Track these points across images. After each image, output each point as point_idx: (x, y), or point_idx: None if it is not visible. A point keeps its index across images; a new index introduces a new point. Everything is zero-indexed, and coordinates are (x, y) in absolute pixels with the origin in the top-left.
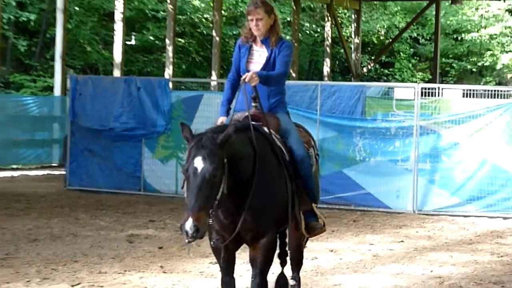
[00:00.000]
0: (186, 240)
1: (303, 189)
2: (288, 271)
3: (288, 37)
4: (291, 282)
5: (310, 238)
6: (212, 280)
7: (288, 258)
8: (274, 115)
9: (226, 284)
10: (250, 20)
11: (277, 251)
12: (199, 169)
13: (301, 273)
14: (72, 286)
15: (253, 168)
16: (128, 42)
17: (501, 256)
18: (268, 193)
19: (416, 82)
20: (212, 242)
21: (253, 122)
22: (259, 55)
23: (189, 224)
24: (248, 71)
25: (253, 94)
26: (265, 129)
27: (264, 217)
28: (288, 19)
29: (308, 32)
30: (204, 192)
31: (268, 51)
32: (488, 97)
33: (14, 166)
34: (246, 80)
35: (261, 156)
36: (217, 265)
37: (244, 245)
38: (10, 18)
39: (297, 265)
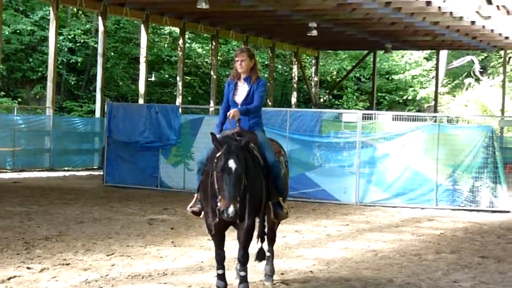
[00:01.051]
0: (224, 217)
1: (273, 186)
2: (265, 246)
3: (266, 76)
4: (267, 253)
5: (280, 222)
6: (210, 252)
7: (265, 237)
8: (252, 132)
9: (218, 255)
10: (236, 61)
11: (256, 231)
12: (233, 168)
13: (274, 247)
14: (108, 255)
15: (245, 171)
16: (149, 79)
17: (419, 236)
18: (251, 188)
19: (359, 109)
20: (208, 224)
21: (237, 137)
22: (242, 89)
23: (231, 209)
24: (234, 101)
25: (237, 120)
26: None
27: (247, 206)
28: (266, 62)
29: (280, 72)
30: (237, 185)
31: (249, 87)
32: (410, 121)
33: (66, 168)
34: (230, 117)
35: (248, 161)
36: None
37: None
38: (63, 60)
39: (271, 241)
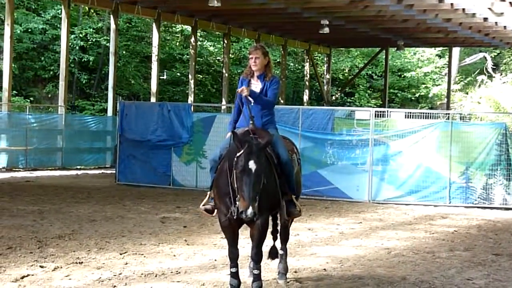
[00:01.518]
0: (243, 217)
1: (286, 184)
2: (278, 244)
3: (278, 73)
4: (280, 251)
5: (294, 220)
6: (222, 250)
7: (278, 235)
8: (266, 130)
9: (232, 253)
10: (250, 58)
11: (270, 229)
12: (253, 169)
13: (287, 245)
14: (121, 253)
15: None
16: (161, 77)
17: (432, 233)
18: (265, 186)
19: (371, 107)
20: (222, 222)
21: (251, 135)
22: (255, 87)
23: (249, 211)
24: (247, 99)
25: (251, 115)
26: (260, 140)
27: (261, 203)
28: (278, 60)
29: (292, 70)
30: (256, 186)
31: (262, 84)
32: (423, 118)
33: (78, 167)
34: (239, 91)
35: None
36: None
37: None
38: (75, 59)
39: (285, 239)
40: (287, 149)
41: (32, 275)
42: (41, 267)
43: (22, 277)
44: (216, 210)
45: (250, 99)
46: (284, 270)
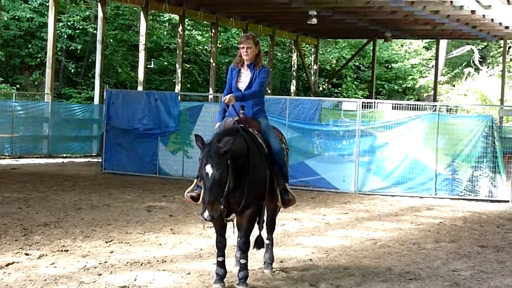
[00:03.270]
0: (204, 221)
1: (278, 173)
2: (264, 234)
3: (265, 63)
4: (267, 241)
5: (281, 210)
6: (208, 240)
7: (264, 225)
8: (256, 119)
9: (219, 242)
10: (242, 48)
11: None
12: (210, 174)
13: (273, 235)
14: (107, 242)
15: (248, 159)
16: (148, 66)
17: (418, 225)
18: (254, 176)
19: (358, 98)
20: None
21: (240, 125)
22: (245, 76)
23: (206, 214)
24: (237, 88)
25: (242, 105)
26: (250, 129)
27: (250, 194)
28: (266, 50)
29: (280, 60)
30: (215, 190)
31: (252, 73)
32: (410, 110)
33: (64, 155)
34: (225, 101)
35: (252, 150)
36: (213, 228)
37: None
38: (62, 47)
39: (271, 229)
40: (279, 138)
41: (17, 262)
42: (26, 254)
43: (7, 265)
44: (201, 198)
45: (236, 105)
46: (270, 260)
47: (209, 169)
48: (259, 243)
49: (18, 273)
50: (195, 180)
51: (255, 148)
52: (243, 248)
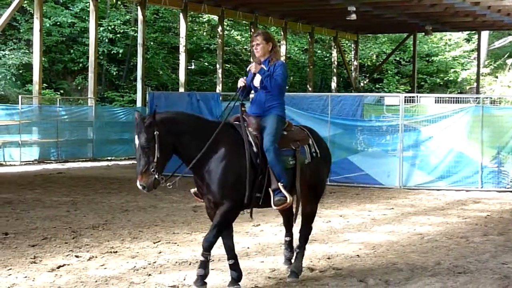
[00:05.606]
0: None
1: (271, 172)
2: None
3: (305, 61)
4: (296, 250)
5: (326, 207)
6: (255, 238)
7: (292, 227)
8: (257, 118)
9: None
10: (252, 46)
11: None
12: (136, 143)
13: (319, 232)
14: (154, 242)
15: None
16: (189, 67)
17: (465, 218)
18: (220, 170)
19: (400, 92)
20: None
21: (236, 122)
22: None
23: (138, 183)
24: (254, 85)
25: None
26: (247, 128)
27: (218, 189)
28: (305, 47)
29: (320, 57)
30: (142, 160)
31: (267, 69)
32: (453, 103)
33: (109, 158)
34: (248, 69)
35: (217, 142)
36: (259, 226)
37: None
38: (104, 51)
39: (304, 236)
40: (295, 139)
41: (68, 264)
42: (76, 256)
43: (58, 267)
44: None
45: (258, 79)
46: (296, 269)
47: (136, 140)
48: (293, 274)
49: (69, 275)
50: None
51: (231, 143)
52: (204, 244)
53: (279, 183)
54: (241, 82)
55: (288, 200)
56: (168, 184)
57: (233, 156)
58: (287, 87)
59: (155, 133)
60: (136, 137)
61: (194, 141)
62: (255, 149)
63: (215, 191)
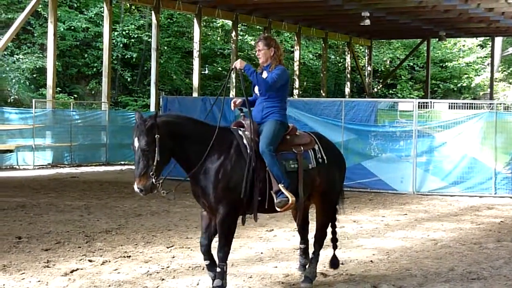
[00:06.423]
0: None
1: (271, 174)
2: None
3: (319, 66)
4: (311, 255)
5: (340, 213)
6: (269, 243)
7: (305, 232)
8: (254, 122)
9: (200, 243)
10: (256, 52)
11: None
12: (136, 145)
13: (322, 248)
14: (168, 247)
15: (203, 152)
16: (203, 72)
17: (479, 224)
18: (213, 174)
19: (413, 98)
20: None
21: (234, 127)
22: None
23: (135, 187)
24: (255, 92)
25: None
26: (244, 132)
27: (211, 192)
28: (319, 53)
29: (333, 62)
30: (141, 163)
31: (267, 74)
32: (467, 109)
33: (122, 162)
34: (232, 66)
35: (217, 147)
36: (272, 231)
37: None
38: (118, 55)
39: (318, 241)
40: (299, 143)
41: (81, 269)
42: (90, 261)
43: (72, 271)
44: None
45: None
46: (310, 274)
47: (135, 141)
48: (333, 263)
49: (83, 279)
50: None
51: (229, 148)
52: (219, 255)
53: (279, 185)
54: (237, 64)
55: (290, 201)
56: (163, 191)
57: (226, 160)
58: (287, 92)
59: (156, 136)
60: (135, 139)
61: (193, 145)
62: (249, 151)
63: (209, 194)
